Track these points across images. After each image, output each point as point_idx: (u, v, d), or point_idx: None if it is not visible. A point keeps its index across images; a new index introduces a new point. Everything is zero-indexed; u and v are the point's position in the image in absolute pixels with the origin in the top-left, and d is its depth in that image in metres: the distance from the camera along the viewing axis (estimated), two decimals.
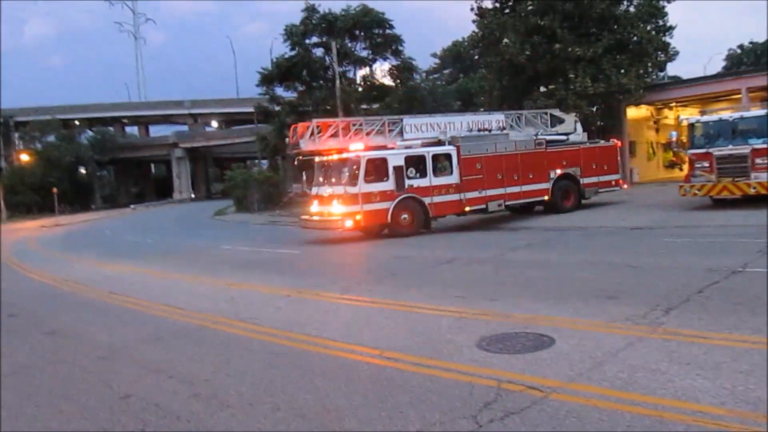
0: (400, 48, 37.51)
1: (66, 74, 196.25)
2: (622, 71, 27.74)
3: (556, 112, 23.93)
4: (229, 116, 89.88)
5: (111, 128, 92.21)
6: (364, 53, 38.31)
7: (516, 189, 20.19)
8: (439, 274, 10.94)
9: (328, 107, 35.22)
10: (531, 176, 20.40)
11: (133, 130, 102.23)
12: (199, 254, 18.72)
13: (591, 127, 27.80)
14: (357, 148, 18.52)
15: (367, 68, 39.06)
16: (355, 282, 10.52)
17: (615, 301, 7.39)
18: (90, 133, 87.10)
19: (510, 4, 30.21)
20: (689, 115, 22.64)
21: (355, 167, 17.85)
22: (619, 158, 22.60)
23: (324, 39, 36.84)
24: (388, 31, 37.12)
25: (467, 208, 19.42)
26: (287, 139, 19.88)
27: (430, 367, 5.54)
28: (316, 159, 19.10)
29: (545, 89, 29.30)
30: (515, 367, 5.33)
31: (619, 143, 22.90)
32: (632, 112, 31.50)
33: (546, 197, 20.71)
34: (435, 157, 19.14)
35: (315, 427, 4.49)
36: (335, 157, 18.45)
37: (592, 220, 17.93)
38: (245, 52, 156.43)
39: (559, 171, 20.85)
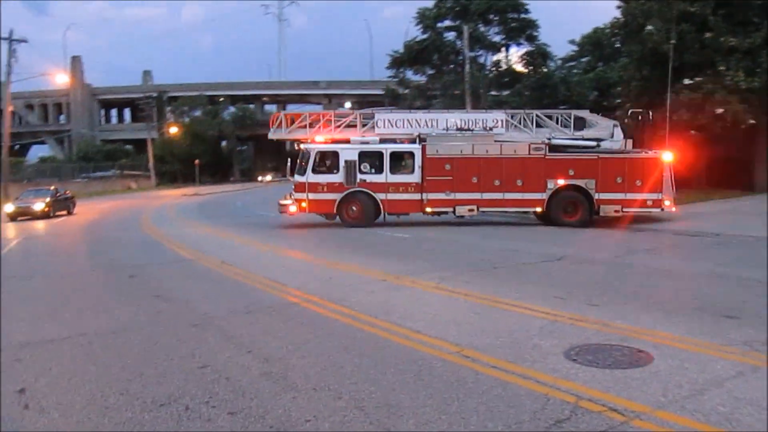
0: (535, 33, 36.25)
1: (215, 54, 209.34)
2: None
3: (585, 114, 20.95)
4: (362, 98, 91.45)
5: (252, 105, 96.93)
6: (497, 38, 37.38)
7: (497, 196, 18.95)
8: (544, 271, 10.37)
9: (456, 92, 34.82)
10: (519, 183, 18.82)
11: (272, 108, 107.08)
12: (313, 231, 19.13)
13: (740, 126, 25.38)
14: (313, 139, 19.94)
15: (499, 53, 38.09)
16: (455, 272, 10.20)
17: (735, 322, 6.58)
18: (232, 109, 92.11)
19: None
20: None
21: (306, 158, 19.32)
22: (666, 173, 18.36)
23: (457, 23, 36.31)
24: (523, 15, 35.95)
25: (428, 209, 19.30)
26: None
27: (507, 372, 5.18)
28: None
29: (690, 82, 27.05)
30: (601, 384, 4.84)
31: (668, 156, 18.70)
32: None
33: (539, 209, 18.94)
34: (394, 155, 19.52)
35: (371, 422, 4.30)
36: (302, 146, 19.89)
37: (732, 226, 16.37)
38: (382, 35, 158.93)
39: (561, 181, 18.66)
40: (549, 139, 19.36)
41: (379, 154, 19.41)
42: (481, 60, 37.71)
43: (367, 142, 19.73)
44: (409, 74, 40.01)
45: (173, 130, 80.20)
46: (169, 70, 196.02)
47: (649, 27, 27.07)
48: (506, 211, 19.82)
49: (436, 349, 5.90)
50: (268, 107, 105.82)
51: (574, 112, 20.97)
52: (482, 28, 36.45)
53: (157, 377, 5.38)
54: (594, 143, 19.30)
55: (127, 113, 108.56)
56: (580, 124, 20.09)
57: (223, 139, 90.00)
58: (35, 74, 72.73)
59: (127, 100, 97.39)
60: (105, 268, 12.43)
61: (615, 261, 11.42)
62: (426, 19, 36.80)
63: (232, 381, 5.20)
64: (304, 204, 19.36)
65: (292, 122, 21.09)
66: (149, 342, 6.57)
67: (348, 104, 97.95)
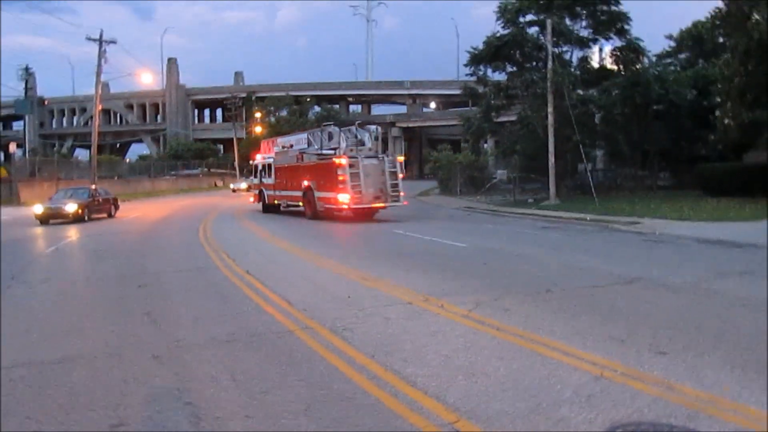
0: (626, 27, 33.27)
1: (308, 55, 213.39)
2: None
3: (334, 129, 24.61)
4: (447, 98, 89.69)
5: (337, 106, 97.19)
6: (584, 33, 34.68)
7: (288, 193, 26.41)
8: (609, 298, 8.50)
9: (538, 90, 32.54)
10: (293, 185, 25.69)
11: (357, 108, 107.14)
12: (368, 237, 17.92)
13: None
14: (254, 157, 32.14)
15: (587, 49, 35.37)
16: (498, 294, 8.55)
17: None
18: (317, 109, 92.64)
19: None
20: None
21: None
22: (342, 177, 21.79)
23: (540, 17, 33.94)
24: (614, 7, 33.09)
25: (275, 202, 28.14)
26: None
27: None
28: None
29: None
30: None
31: (342, 161, 22.00)
32: None
33: (300, 204, 25.36)
34: (267, 166, 28.92)
35: None
36: None
37: None
38: (471, 34, 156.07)
39: (305, 183, 24.28)
40: (318, 149, 24.29)
41: (265, 165, 29.26)
42: (567, 56, 35.11)
43: (264, 158, 29.80)
44: (489, 72, 37.85)
45: (257, 129, 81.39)
46: (264, 71, 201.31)
47: (756, 16, 24.02)
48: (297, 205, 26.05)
49: (424, 417, 4.39)
50: (353, 107, 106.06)
51: (329, 129, 25.03)
52: (568, 22, 33.91)
53: None
54: (333, 152, 23.13)
55: (219, 113, 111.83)
56: (330, 136, 24.33)
57: None
58: (123, 74, 75.81)
59: (218, 101, 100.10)
60: (123, 275, 11.54)
61: (700, 287, 9.33)
62: (507, 13, 34.56)
63: None
64: (252, 197, 31.47)
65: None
66: (89, 379, 5.42)
67: (433, 104, 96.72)
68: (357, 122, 24.94)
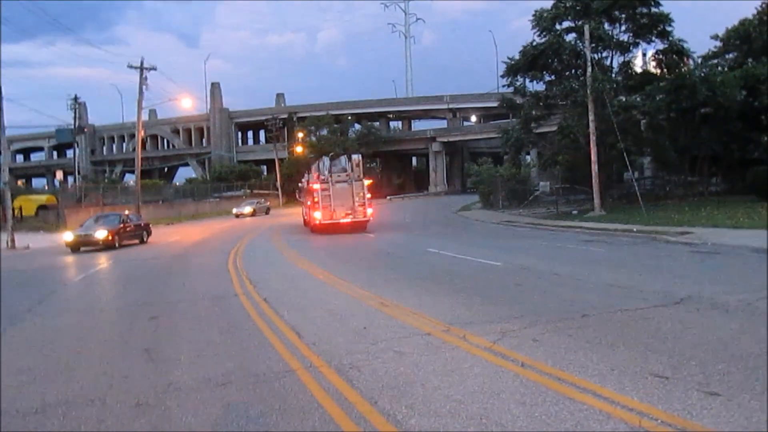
0: (668, 29, 31.92)
1: (349, 74, 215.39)
2: None
3: (324, 158, 29.41)
4: (488, 111, 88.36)
5: (377, 123, 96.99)
6: (624, 37, 33.45)
7: (305, 210, 31.61)
8: (653, 322, 7.62)
9: (578, 98, 31.47)
10: (306, 204, 30.74)
11: (397, 124, 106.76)
12: (398, 257, 17.29)
13: None
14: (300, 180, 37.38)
15: (628, 54, 34.08)
16: (527, 322, 7.77)
17: None
18: (357, 126, 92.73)
19: None
20: None
21: None
22: (317, 198, 26.87)
23: (577, 23, 32.92)
24: (654, 9, 31.80)
25: (304, 217, 32.38)
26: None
27: None
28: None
29: None
30: None
31: (315, 186, 27.22)
32: None
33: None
34: (303, 188, 33.32)
35: None
36: None
37: None
38: (510, 46, 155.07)
39: (308, 202, 29.55)
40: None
41: (300, 188, 34.86)
42: (607, 62, 33.88)
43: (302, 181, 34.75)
44: (527, 82, 36.85)
45: (298, 149, 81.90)
46: (305, 91, 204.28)
47: None
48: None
49: None
50: (393, 124, 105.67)
51: (323, 159, 29.09)
52: (607, 27, 32.76)
53: None
54: (323, 177, 27.44)
55: (261, 135, 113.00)
56: (323, 164, 28.31)
57: None
58: (164, 100, 77.29)
59: (261, 122, 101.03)
60: (138, 306, 11.13)
61: (759, 307, 8.32)
62: (543, 21, 33.63)
63: None
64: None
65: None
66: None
67: (474, 118, 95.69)
68: (341, 155, 30.65)
